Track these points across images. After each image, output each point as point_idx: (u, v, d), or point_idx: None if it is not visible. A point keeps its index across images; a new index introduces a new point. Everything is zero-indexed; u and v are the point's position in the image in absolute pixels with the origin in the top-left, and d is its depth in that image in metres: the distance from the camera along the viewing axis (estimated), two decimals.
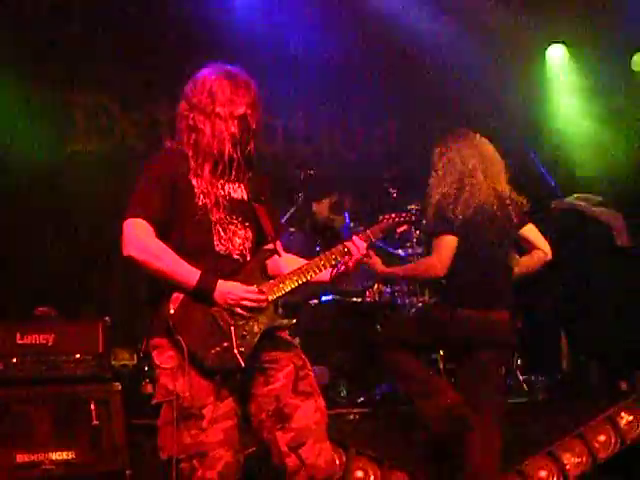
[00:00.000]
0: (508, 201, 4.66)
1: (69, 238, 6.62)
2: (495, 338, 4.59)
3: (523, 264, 4.84)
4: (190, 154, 3.42)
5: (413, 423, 5.26)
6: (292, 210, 6.41)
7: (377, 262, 4.69)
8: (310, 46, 7.71)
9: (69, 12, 6.94)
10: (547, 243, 4.87)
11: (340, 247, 3.49)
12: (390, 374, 4.94)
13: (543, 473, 5.27)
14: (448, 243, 4.55)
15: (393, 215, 3.71)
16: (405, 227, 3.70)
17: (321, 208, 6.82)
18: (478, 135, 4.79)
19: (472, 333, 4.56)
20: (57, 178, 6.69)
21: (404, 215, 3.73)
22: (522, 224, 4.77)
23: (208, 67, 3.52)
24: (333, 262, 3.46)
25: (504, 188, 4.69)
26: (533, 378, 6.44)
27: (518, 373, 6.31)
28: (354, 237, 3.51)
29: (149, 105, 7.42)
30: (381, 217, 3.68)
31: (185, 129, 3.45)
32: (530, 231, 4.81)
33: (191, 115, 3.43)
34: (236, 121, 3.41)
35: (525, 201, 4.75)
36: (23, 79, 6.54)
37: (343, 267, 3.48)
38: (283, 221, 6.22)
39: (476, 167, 4.63)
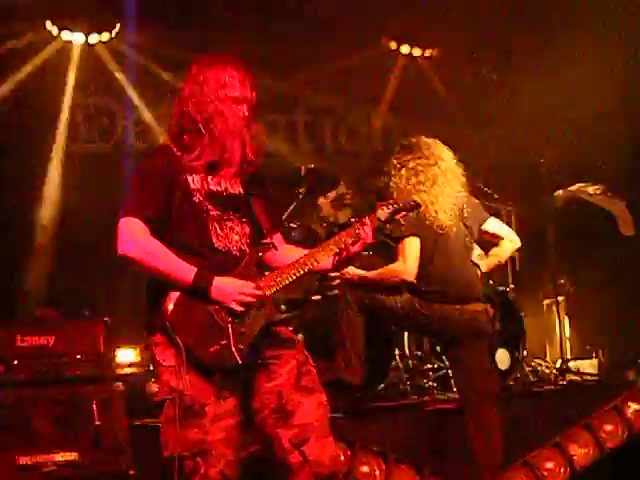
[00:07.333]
0: (465, 203, 4.80)
1: (69, 239, 6.60)
2: (474, 329, 4.71)
3: (494, 255, 5.01)
4: (186, 150, 3.36)
5: (418, 417, 5.26)
6: (293, 205, 6.36)
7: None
8: None
9: None
10: (513, 231, 5.08)
11: (337, 236, 3.45)
12: (340, 326, 4.95)
13: (550, 464, 5.22)
14: (413, 245, 4.67)
15: (391, 201, 3.68)
16: (402, 215, 3.69)
17: (325, 203, 6.77)
18: (436, 142, 4.89)
19: (453, 326, 4.69)
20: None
21: (401, 203, 3.71)
22: (482, 221, 4.92)
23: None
24: (331, 251, 3.43)
25: (461, 191, 4.81)
26: (539, 369, 6.42)
27: (524, 364, 6.28)
28: (362, 220, 3.47)
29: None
30: (378, 204, 3.66)
31: (191, 124, 3.37)
32: (492, 224, 4.96)
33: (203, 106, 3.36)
34: (245, 105, 3.40)
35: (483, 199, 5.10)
36: None
37: (345, 253, 3.43)
38: (285, 216, 6.20)
39: (433, 176, 4.74)
